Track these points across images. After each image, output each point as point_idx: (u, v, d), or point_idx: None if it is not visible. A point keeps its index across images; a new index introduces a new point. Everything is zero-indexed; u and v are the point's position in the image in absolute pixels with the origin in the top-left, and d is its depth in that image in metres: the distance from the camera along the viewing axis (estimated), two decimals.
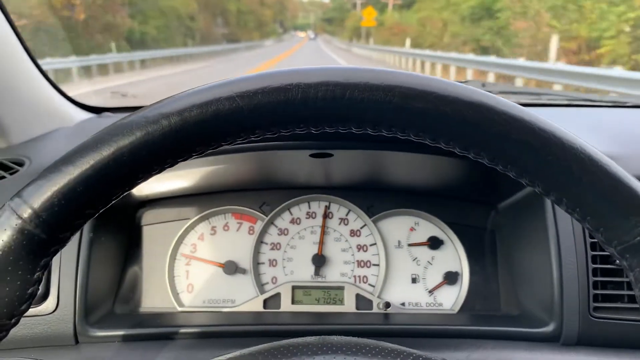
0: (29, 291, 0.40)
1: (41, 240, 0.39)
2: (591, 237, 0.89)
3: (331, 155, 0.94)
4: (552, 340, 0.88)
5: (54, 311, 0.88)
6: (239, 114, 0.40)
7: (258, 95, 0.40)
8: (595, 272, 0.88)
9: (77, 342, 0.88)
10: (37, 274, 0.40)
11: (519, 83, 9.89)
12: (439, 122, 0.40)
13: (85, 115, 1.38)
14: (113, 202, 0.41)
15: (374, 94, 0.40)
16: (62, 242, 0.41)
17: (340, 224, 1.12)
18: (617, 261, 0.42)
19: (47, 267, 0.41)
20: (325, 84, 0.40)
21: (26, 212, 0.38)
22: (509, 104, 0.40)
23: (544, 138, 0.39)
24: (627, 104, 1.52)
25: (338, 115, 0.41)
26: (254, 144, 0.93)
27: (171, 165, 0.42)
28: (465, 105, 0.39)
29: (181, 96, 0.41)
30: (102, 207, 0.41)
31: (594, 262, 0.88)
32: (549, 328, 0.88)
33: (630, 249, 0.40)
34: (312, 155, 0.95)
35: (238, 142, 0.42)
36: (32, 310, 0.87)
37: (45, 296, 0.88)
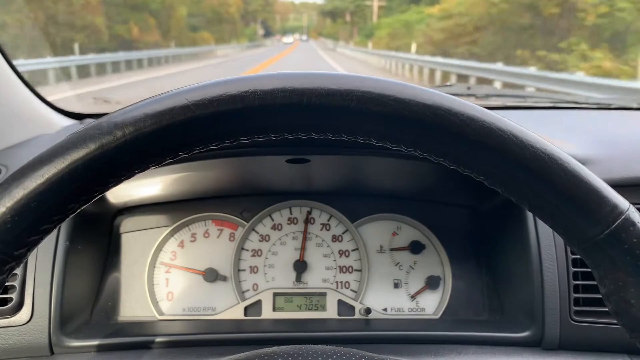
0: None
1: None
2: None
3: (308, 160, 0.94)
4: (533, 345, 0.87)
5: (28, 321, 0.86)
6: (195, 123, 0.39)
7: (214, 104, 0.39)
8: (576, 276, 0.88)
9: (52, 352, 0.87)
10: None
11: None
12: (397, 126, 0.40)
13: (66, 121, 1.36)
14: (70, 216, 0.40)
15: (332, 99, 0.39)
16: (18, 259, 0.39)
17: (322, 229, 1.11)
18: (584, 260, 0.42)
19: (3, 285, 0.39)
20: (282, 90, 0.39)
21: None
22: (467, 104, 0.40)
23: (503, 138, 0.39)
24: (612, 106, 1.52)
25: (297, 121, 0.40)
26: (229, 150, 0.92)
27: (128, 178, 0.41)
28: (423, 108, 0.39)
29: (135, 106, 0.40)
30: (59, 222, 0.40)
31: (574, 265, 0.88)
32: (530, 332, 0.87)
33: (593, 248, 0.40)
34: (288, 161, 0.94)
35: (196, 152, 0.41)
36: (5, 321, 0.86)
37: (19, 306, 0.87)
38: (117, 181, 0.41)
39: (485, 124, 0.39)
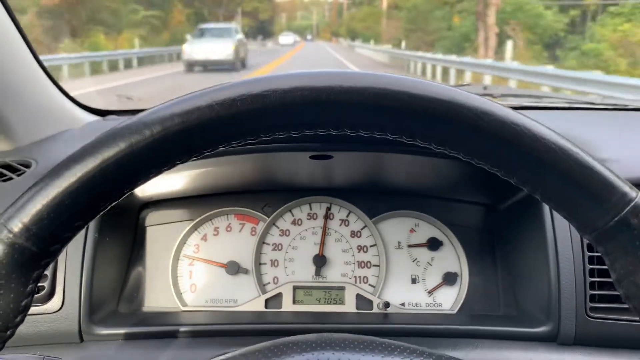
0: (23, 303, 0.41)
1: (32, 254, 0.40)
2: None
3: (331, 157, 0.96)
4: (549, 340, 0.89)
5: (59, 309, 0.89)
6: (219, 122, 0.41)
7: (237, 103, 0.41)
8: (592, 272, 0.89)
9: (82, 340, 0.90)
10: (30, 286, 0.41)
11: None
12: (413, 120, 0.42)
13: (90, 117, 1.40)
14: (101, 212, 0.42)
15: (349, 96, 0.41)
16: (53, 255, 0.42)
17: (341, 225, 1.13)
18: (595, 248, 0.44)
19: (39, 280, 0.42)
20: (301, 89, 0.41)
21: (16, 226, 0.39)
22: (479, 99, 0.42)
23: (516, 131, 0.41)
24: (628, 107, 1.52)
25: (316, 118, 0.43)
26: (254, 146, 0.95)
27: (156, 175, 0.43)
28: (437, 103, 0.41)
29: (162, 106, 0.42)
30: (91, 218, 0.42)
31: (590, 262, 0.89)
32: (546, 328, 0.89)
33: (604, 235, 0.42)
34: (312, 157, 0.96)
35: (220, 150, 0.44)
36: (37, 309, 0.89)
37: (50, 295, 0.90)
38: (146, 179, 0.43)
39: (498, 118, 0.41)
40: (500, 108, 0.42)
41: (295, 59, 29.69)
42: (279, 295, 1.07)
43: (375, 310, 1.05)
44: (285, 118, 0.42)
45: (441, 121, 0.41)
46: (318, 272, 1.10)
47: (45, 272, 0.87)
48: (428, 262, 1.10)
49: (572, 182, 0.41)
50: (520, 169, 0.42)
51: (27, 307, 0.41)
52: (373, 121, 0.42)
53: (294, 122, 0.43)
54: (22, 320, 0.41)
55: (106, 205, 0.42)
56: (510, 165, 0.43)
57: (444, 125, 0.41)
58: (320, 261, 1.10)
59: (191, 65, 20.77)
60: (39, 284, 0.88)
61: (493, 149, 0.42)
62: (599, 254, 0.87)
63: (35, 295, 0.88)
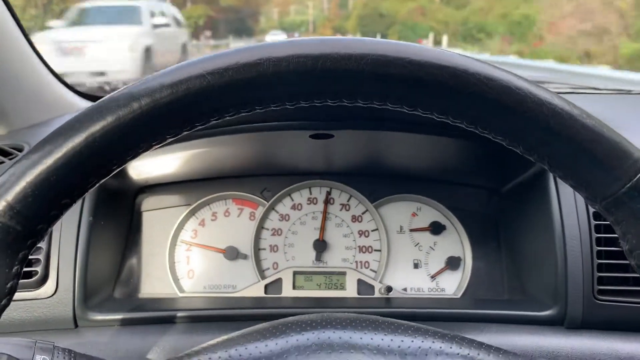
0: (9, 285, 0.39)
1: (17, 233, 0.38)
2: (595, 219, 0.88)
3: (331, 136, 0.93)
4: (556, 324, 0.87)
5: (53, 294, 0.87)
6: (211, 92, 0.39)
7: (229, 72, 0.39)
8: (599, 254, 0.87)
9: (76, 325, 0.88)
10: (16, 267, 0.39)
11: None
12: (414, 88, 0.39)
13: (85, 103, 1.38)
14: (89, 190, 0.40)
15: (346, 63, 0.39)
16: (40, 234, 0.39)
17: (341, 209, 1.11)
18: (605, 217, 0.42)
19: (25, 261, 0.39)
20: (296, 57, 0.39)
21: (0, 205, 0.37)
22: (482, 64, 0.40)
23: (520, 96, 0.39)
24: (633, 92, 1.50)
25: (312, 88, 0.40)
26: (252, 124, 0.92)
27: (145, 150, 0.41)
28: (439, 69, 0.39)
29: (151, 77, 0.40)
30: (78, 196, 0.40)
31: (598, 244, 0.87)
32: (553, 311, 0.87)
33: (615, 203, 0.40)
34: (312, 136, 0.94)
35: (212, 122, 0.41)
36: (31, 294, 0.87)
37: (44, 279, 0.87)
38: (135, 154, 0.41)
39: (502, 82, 0.39)
40: (503, 73, 0.40)
41: None
42: (279, 280, 1.05)
43: (377, 295, 1.04)
44: (280, 88, 0.40)
45: (443, 88, 0.39)
46: (318, 257, 1.08)
47: (38, 257, 0.86)
48: (430, 247, 1.08)
49: (581, 148, 0.39)
50: (525, 136, 0.40)
51: (13, 289, 0.39)
52: (372, 90, 0.40)
53: (289, 91, 0.40)
54: (7, 304, 0.39)
55: (94, 182, 0.40)
56: (515, 133, 0.41)
57: (446, 92, 0.39)
58: (320, 246, 1.08)
59: None
60: (32, 269, 0.87)
61: (497, 115, 0.40)
62: (607, 235, 0.86)
63: (28, 280, 0.87)
